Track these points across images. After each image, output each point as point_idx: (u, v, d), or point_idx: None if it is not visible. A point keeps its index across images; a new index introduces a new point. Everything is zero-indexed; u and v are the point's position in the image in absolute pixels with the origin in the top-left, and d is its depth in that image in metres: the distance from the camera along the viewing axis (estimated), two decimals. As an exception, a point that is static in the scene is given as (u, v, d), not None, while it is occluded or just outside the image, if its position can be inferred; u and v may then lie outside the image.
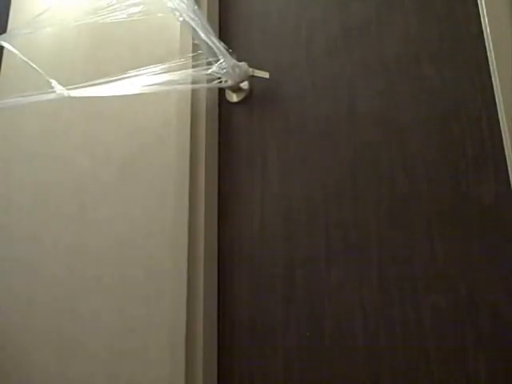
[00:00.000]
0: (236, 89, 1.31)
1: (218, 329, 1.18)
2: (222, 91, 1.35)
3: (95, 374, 1.25)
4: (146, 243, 1.27)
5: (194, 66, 1.24)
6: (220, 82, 1.26)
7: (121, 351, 1.23)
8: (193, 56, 1.26)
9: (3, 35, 1.32)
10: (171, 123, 1.32)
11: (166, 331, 1.16)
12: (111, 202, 1.38)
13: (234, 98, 1.33)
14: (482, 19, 0.98)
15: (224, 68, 1.21)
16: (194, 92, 1.29)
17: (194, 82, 1.23)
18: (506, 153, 0.90)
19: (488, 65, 0.95)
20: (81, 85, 1.25)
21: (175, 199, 1.24)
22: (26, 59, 1.29)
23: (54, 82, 1.25)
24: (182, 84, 1.21)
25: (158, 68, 1.21)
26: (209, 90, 1.30)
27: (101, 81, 1.23)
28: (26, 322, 1.44)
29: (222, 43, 1.21)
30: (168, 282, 1.19)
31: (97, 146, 1.47)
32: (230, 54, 1.22)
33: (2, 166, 1.72)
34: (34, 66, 1.29)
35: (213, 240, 1.23)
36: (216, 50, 1.20)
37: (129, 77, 1.22)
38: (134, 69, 1.23)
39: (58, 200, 1.51)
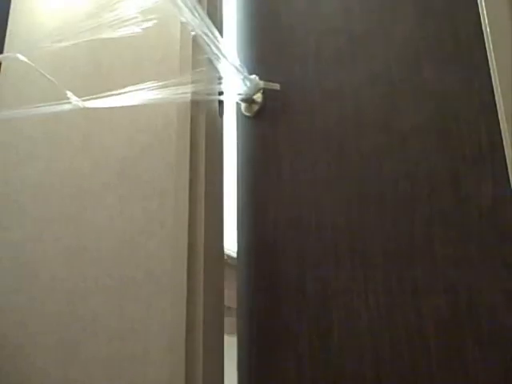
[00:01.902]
0: (250, 101, 1.34)
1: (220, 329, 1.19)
2: (237, 105, 1.39)
3: (95, 374, 1.25)
4: (146, 244, 1.27)
5: (206, 80, 1.25)
6: (227, 94, 1.29)
7: (120, 352, 1.23)
8: (205, 70, 1.27)
9: (22, 50, 1.34)
10: (172, 124, 1.32)
11: (166, 332, 1.16)
12: (111, 202, 1.38)
13: (248, 111, 1.36)
14: (481, 19, 0.98)
15: (235, 81, 1.25)
16: (193, 94, 1.30)
17: (207, 94, 1.26)
18: (506, 153, 0.90)
19: (488, 65, 0.95)
20: (94, 96, 1.27)
21: (175, 199, 1.24)
22: (43, 72, 1.31)
23: (69, 93, 1.27)
24: (193, 97, 1.23)
25: (171, 81, 1.22)
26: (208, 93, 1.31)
27: (113, 92, 1.26)
28: (25, 323, 1.44)
29: (233, 57, 1.24)
30: (168, 282, 1.19)
31: (97, 148, 1.47)
32: (240, 67, 1.25)
33: (2, 168, 1.72)
34: (50, 77, 1.31)
35: (213, 240, 1.23)
36: (227, 64, 1.23)
37: (141, 89, 1.24)
38: (145, 81, 1.25)
39: (58, 201, 1.51)
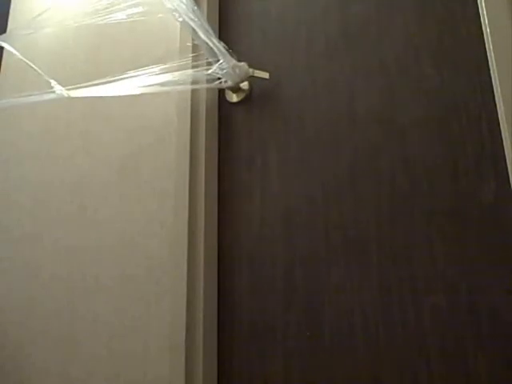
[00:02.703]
0: (236, 89, 1.31)
1: (218, 329, 1.18)
2: (221, 91, 1.35)
3: (95, 373, 1.25)
4: (146, 243, 1.27)
5: (193, 67, 1.24)
6: (220, 82, 1.26)
7: (120, 351, 1.23)
8: (192, 56, 1.26)
9: (3, 36, 1.32)
10: (171, 123, 1.32)
11: (166, 331, 1.16)
12: (111, 201, 1.38)
13: (234, 98, 1.33)
14: (481, 19, 0.98)
15: (224, 68, 1.21)
16: (193, 92, 1.29)
17: (193, 83, 1.23)
18: (506, 152, 0.90)
19: (488, 65, 0.95)
20: (80, 85, 1.25)
21: (175, 199, 1.24)
22: (25, 60, 1.29)
23: (53, 83, 1.25)
24: (181, 84, 1.21)
25: (158, 68, 1.21)
26: (209, 90, 1.30)
27: (100, 81, 1.23)
28: (26, 322, 1.44)
29: (222, 43, 1.21)
30: (168, 282, 1.19)
31: (96, 146, 1.47)
32: (229, 54, 1.22)
33: (1, 167, 1.72)
34: (34, 66, 1.30)
35: (213, 240, 1.23)
36: (216, 51, 1.20)
37: (128, 77, 1.22)
38: (133, 69, 1.23)
39: (58, 200, 1.51)
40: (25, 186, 1.62)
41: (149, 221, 1.29)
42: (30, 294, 1.46)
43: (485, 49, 0.97)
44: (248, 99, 1.31)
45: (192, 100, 1.29)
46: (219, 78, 1.25)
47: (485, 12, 0.97)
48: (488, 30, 0.95)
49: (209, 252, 1.20)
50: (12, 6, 1.94)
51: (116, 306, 1.27)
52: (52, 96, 1.24)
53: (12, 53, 1.29)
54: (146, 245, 1.27)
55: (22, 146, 1.69)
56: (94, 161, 1.46)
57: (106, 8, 1.21)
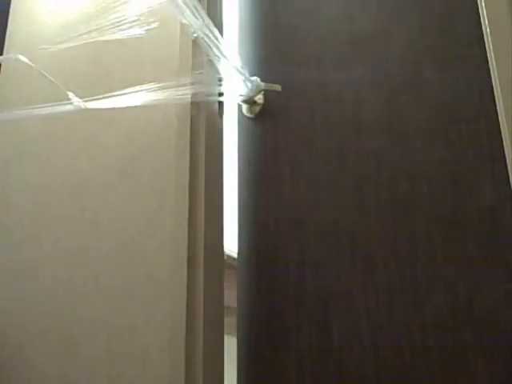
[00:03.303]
0: (251, 103, 1.34)
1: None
2: (240, 106, 1.39)
3: (95, 374, 1.25)
4: (146, 244, 1.27)
5: (206, 81, 1.25)
6: (227, 95, 1.29)
7: (120, 351, 1.23)
8: (205, 72, 1.27)
9: (23, 51, 1.34)
10: (171, 125, 1.32)
11: (166, 332, 1.16)
12: (111, 203, 1.38)
13: (249, 112, 1.36)
14: (481, 19, 0.98)
15: (236, 83, 1.25)
16: (193, 95, 1.30)
17: (207, 96, 1.25)
18: (506, 154, 0.90)
19: (488, 65, 0.95)
20: (96, 97, 1.28)
21: (175, 200, 1.24)
22: (44, 73, 1.31)
23: (71, 94, 1.28)
24: (195, 98, 1.23)
25: (173, 82, 1.22)
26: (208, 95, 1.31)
27: (114, 93, 1.26)
28: (26, 323, 1.44)
29: (235, 58, 1.24)
30: (168, 283, 1.19)
31: (97, 148, 1.47)
32: (242, 68, 1.25)
33: (1, 168, 1.72)
34: (51, 78, 1.32)
35: (213, 241, 1.23)
36: (228, 65, 1.23)
37: (142, 90, 1.24)
38: (146, 83, 1.25)
39: (58, 202, 1.51)
40: (25, 187, 1.62)
41: (149, 222, 1.29)
42: (29, 295, 1.46)
43: (485, 49, 0.97)
44: (263, 112, 1.34)
45: (191, 103, 1.30)
46: (228, 92, 1.28)
47: (485, 12, 0.97)
48: (488, 30, 0.95)
49: (209, 252, 1.20)
50: (12, 6, 1.94)
51: (116, 306, 1.27)
52: (69, 108, 1.28)
53: (10, 59, 1.31)
54: (146, 246, 1.27)
55: (22, 147, 1.69)
56: (94, 163, 1.46)
57: (124, 23, 1.23)
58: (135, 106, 1.38)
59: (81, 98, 1.29)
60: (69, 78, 1.59)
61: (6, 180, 1.68)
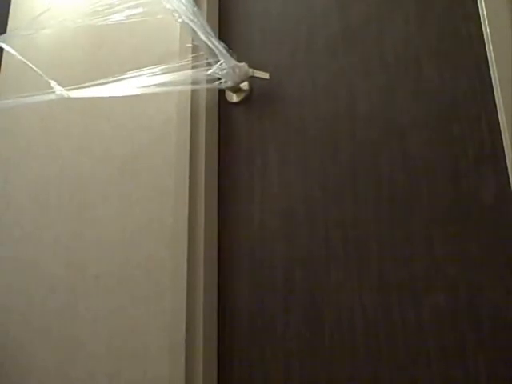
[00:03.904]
0: (236, 89, 1.31)
1: (218, 329, 1.19)
2: (221, 91, 1.35)
3: (95, 373, 1.25)
4: (146, 242, 1.27)
5: (193, 67, 1.24)
6: (220, 82, 1.26)
7: (120, 351, 1.23)
8: (192, 57, 1.26)
9: (2, 36, 1.32)
10: (171, 122, 1.32)
11: (166, 331, 1.16)
12: (111, 201, 1.38)
13: (234, 98, 1.33)
14: (481, 19, 0.98)
15: (224, 69, 1.21)
16: (193, 91, 1.29)
17: (193, 83, 1.23)
18: (506, 153, 0.90)
19: (488, 65, 0.95)
20: (80, 85, 1.26)
21: (175, 198, 1.24)
22: (24, 60, 1.29)
23: (53, 83, 1.26)
24: (181, 85, 1.21)
25: (158, 69, 1.21)
26: (208, 89, 1.30)
27: (100, 81, 1.23)
28: (26, 322, 1.44)
29: (222, 44, 1.21)
30: (168, 282, 1.19)
31: (96, 146, 1.47)
32: (229, 54, 1.22)
33: (1, 166, 1.72)
34: (33, 66, 1.30)
35: (213, 239, 1.23)
36: (216, 51, 1.20)
37: (128, 77, 1.22)
38: (133, 70, 1.24)
39: (58, 200, 1.51)
40: (24, 185, 1.62)
41: (149, 220, 1.29)
42: (30, 293, 1.46)
43: (485, 49, 0.96)
44: (248, 99, 1.31)
45: (192, 99, 1.29)
46: (219, 79, 1.25)
47: (485, 12, 0.97)
48: (488, 30, 0.95)
49: (209, 251, 1.20)
50: (12, 5, 1.94)
51: (116, 305, 1.27)
52: (52, 96, 1.25)
53: (11, 53, 1.29)
54: (146, 244, 1.27)
55: (21, 145, 1.69)
56: (94, 160, 1.46)
57: (106, 9, 1.21)
58: (134, 104, 1.38)
59: (65, 86, 1.27)
60: (53, 67, 1.59)
61: (6, 178, 1.68)
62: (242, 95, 1.31)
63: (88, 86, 1.24)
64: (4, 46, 1.28)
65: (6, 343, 1.46)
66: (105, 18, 1.22)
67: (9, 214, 1.63)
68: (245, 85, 1.30)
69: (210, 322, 1.16)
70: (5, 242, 1.60)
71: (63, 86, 1.25)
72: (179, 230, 1.20)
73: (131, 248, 1.29)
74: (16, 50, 1.29)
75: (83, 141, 1.51)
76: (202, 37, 1.17)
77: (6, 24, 1.89)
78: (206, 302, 1.15)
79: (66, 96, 1.24)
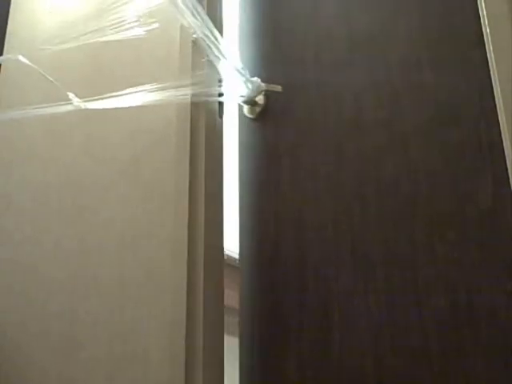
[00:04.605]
0: (252, 104, 1.35)
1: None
2: (240, 107, 1.40)
3: (94, 375, 1.25)
4: (146, 244, 1.27)
5: (206, 82, 1.26)
6: (226, 96, 1.29)
7: (120, 352, 1.23)
8: (205, 73, 1.27)
9: (23, 51, 1.35)
10: (171, 125, 1.32)
11: (166, 332, 1.16)
12: (111, 203, 1.38)
13: (250, 112, 1.37)
14: (481, 19, 0.98)
15: (235, 84, 1.26)
16: (193, 96, 1.30)
17: (208, 96, 1.26)
18: (506, 154, 0.90)
19: (488, 66, 0.95)
20: (95, 97, 1.28)
21: (175, 201, 1.24)
22: (44, 74, 1.32)
23: (71, 95, 1.28)
24: (196, 97, 1.23)
25: (173, 83, 1.23)
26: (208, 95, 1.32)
27: (114, 94, 1.26)
28: (26, 323, 1.44)
29: (235, 59, 1.25)
30: (168, 283, 1.19)
31: (98, 148, 1.47)
32: (242, 69, 1.26)
33: (2, 168, 1.72)
34: (51, 79, 1.32)
35: (213, 240, 1.23)
36: (228, 67, 1.23)
37: (141, 91, 1.24)
38: (145, 83, 1.25)
39: (59, 201, 1.51)
40: (25, 187, 1.62)
41: (149, 222, 1.29)
42: (29, 295, 1.46)
43: (485, 49, 0.97)
44: (264, 113, 1.34)
45: (191, 103, 1.30)
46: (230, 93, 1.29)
47: (485, 12, 0.97)
48: (488, 30, 0.95)
49: (209, 253, 1.20)
50: (12, 6, 1.94)
51: (116, 307, 1.27)
52: (70, 108, 1.28)
53: (12, 62, 1.31)
54: (146, 246, 1.27)
55: (22, 147, 1.69)
56: (95, 163, 1.46)
57: (119, 24, 1.23)
58: (136, 108, 1.38)
59: (81, 98, 1.30)
60: (69, 79, 1.59)
61: (7, 180, 1.68)
62: (258, 109, 1.35)
63: (104, 98, 1.27)
64: (24, 60, 1.30)
65: (4, 345, 1.46)
66: (122, 33, 1.25)
67: (9, 216, 1.62)
68: (260, 99, 1.34)
69: (211, 324, 1.16)
70: (5, 244, 1.60)
71: (79, 98, 1.28)
72: (180, 233, 1.20)
73: (131, 251, 1.29)
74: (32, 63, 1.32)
75: (84, 144, 1.51)
76: (216, 52, 1.20)
77: (6, 24, 1.89)
78: (207, 304, 1.15)
79: (83, 107, 1.28)
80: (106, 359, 1.24)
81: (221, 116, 1.35)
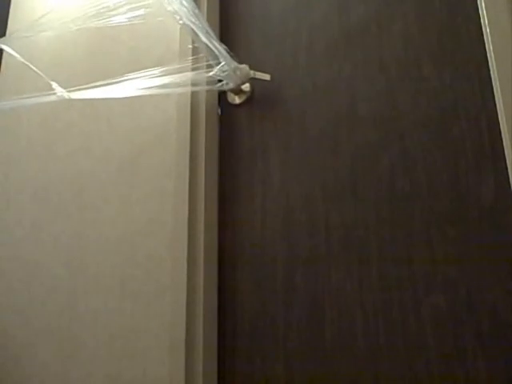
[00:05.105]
0: (237, 91, 1.31)
1: (219, 329, 1.18)
2: (223, 93, 1.36)
3: (95, 373, 1.25)
4: (146, 243, 1.27)
5: (194, 69, 1.24)
6: (222, 84, 1.26)
7: (120, 351, 1.23)
8: (193, 59, 1.26)
9: (3, 38, 1.33)
10: (171, 123, 1.32)
11: (166, 331, 1.16)
12: (111, 201, 1.38)
13: (235, 100, 1.33)
14: (481, 19, 0.98)
15: (225, 70, 1.21)
16: (193, 92, 1.30)
17: (193, 85, 1.23)
18: (506, 153, 0.90)
19: (488, 65, 0.95)
20: (81, 87, 1.26)
21: (175, 198, 1.24)
22: (25, 62, 1.30)
23: (54, 84, 1.26)
24: (181, 86, 1.21)
25: (158, 71, 1.21)
26: (208, 89, 1.30)
27: (100, 83, 1.23)
28: (26, 322, 1.44)
29: (223, 45, 1.21)
30: (168, 282, 1.19)
31: (96, 146, 1.47)
32: (230, 56, 1.22)
33: (1, 167, 1.72)
34: (34, 68, 1.30)
35: (213, 239, 1.23)
36: (217, 53, 1.20)
37: (128, 79, 1.22)
38: (133, 71, 1.24)
39: (58, 200, 1.51)
40: (25, 186, 1.62)
41: (149, 220, 1.29)
42: (30, 293, 1.46)
43: (485, 49, 0.96)
44: (250, 101, 1.31)
45: (192, 100, 1.30)
46: (220, 80, 1.25)
47: (485, 12, 0.97)
48: (488, 30, 0.95)
49: (209, 252, 1.20)
50: (12, 6, 1.94)
51: (116, 305, 1.27)
52: (52, 98, 1.26)
53: (12, 54, 1.29)
54: (146, 244, 1.27)
55: (22, 145, 1.69)
56: (94, 160, 1.46)
57: (107, 11, 1.21)
58: (134, 104, 1.39)
59: (71, 87, 1.27)
60: (55, 69, 1.59)
61: (6, 178, 1.68)
62: (244, 97, 1.32)
63: (89, 88, 1.24)
64: (5, 47, 1.28)
65: (6, 343, 1.46)
66: (106, 19, 1.22)
67: (9, 213, 1.63)
68: (246, 86, 1.30)
69: (210, 322, 1.16)
70: (5, 241, 1.60)
71: (64, 88, 1.25)
72: (179, 229, 1.20)
73: (131, 248, 1.29)
74: (17, 52, 1.30)
75: (83, 141, 1.51)
76: (203, 39, 1.17)
77: (6, 25, 1.89)
78: (206, 302, 1.15)
79: (66, 97, 1.25)
80: (107, 356, 1.24)
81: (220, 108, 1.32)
